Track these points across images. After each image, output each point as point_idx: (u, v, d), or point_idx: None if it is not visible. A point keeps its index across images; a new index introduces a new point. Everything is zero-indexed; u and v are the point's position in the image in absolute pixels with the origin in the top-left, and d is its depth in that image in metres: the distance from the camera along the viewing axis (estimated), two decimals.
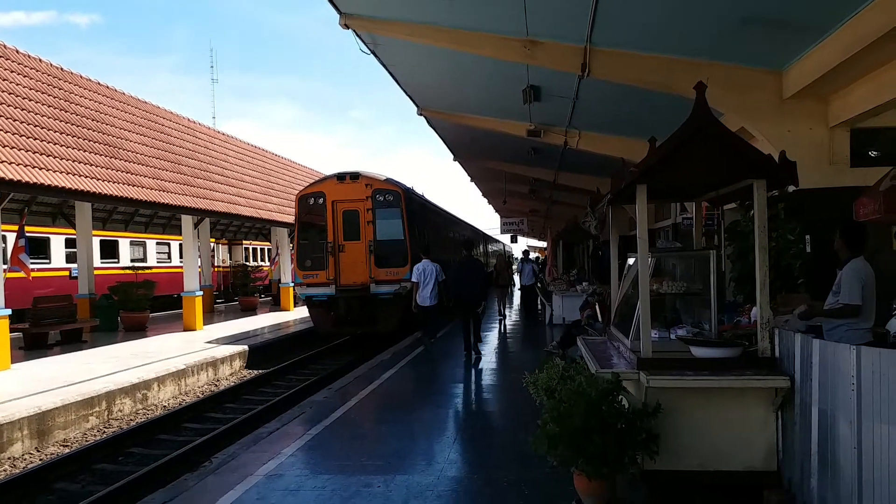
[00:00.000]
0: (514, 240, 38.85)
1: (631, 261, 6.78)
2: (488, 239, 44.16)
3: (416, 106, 14.98)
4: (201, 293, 18.33)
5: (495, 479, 5.42)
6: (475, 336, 12.09)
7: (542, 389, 4.96)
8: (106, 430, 9.27)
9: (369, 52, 10.83)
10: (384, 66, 11.78)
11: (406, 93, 13.93)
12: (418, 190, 20.56)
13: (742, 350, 4.89)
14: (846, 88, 7.77)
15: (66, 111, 14.69)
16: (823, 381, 4.20)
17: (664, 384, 4.69)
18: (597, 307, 9.98)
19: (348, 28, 9.54)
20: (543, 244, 42.38)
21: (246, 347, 14.36)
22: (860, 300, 4.90)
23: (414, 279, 12.76)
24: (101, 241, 22.23)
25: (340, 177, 16.69)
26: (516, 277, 29.28)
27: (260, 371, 13.49)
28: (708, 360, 4.86)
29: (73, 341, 15.22)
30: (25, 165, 11.39)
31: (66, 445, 8.52)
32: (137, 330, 17.55)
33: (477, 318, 12.22)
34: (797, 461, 4.51)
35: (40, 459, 7.92)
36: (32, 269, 18.83)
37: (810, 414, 4.32)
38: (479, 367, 11.15)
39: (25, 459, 7.92)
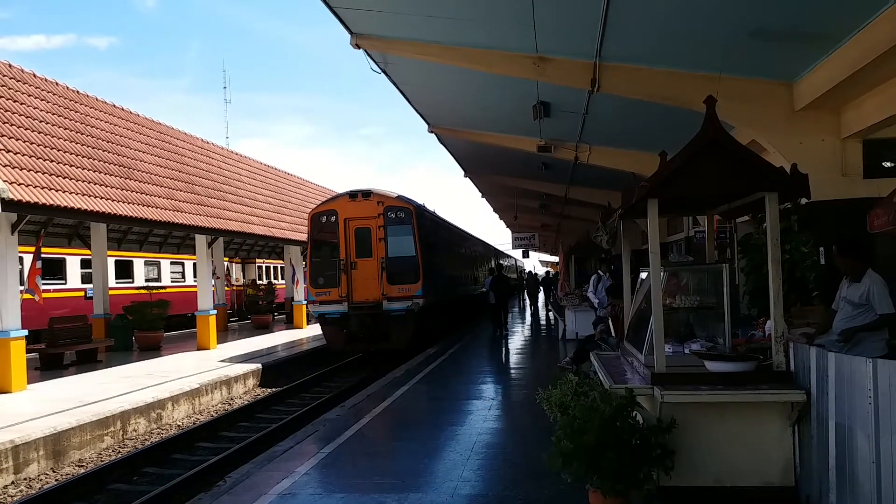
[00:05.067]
0: (525, 255, 38.79)
1: (643, 275, 6.75)
2: (500, 254, 44.14)
3: (427, 123, 15.09)
4: (215, 312, 18.42)
5: (510, 497, 5.37)
6: (504, 319, 19.46)
7: (556, 405, 4.94)
8: (121, 449, 9.31)
9: (380, 70, 10.94)
10: (395, 84, 11.89)
11: (417, 110, 14.05)
12: (430, 206, 20.67)
13: (757, 364, 4.85)
14: (858, 99, 7.73)
15: (81, 133, 14.92)
16: (840, 394, 4.15)
17: (679, 399, 4.66)
18: (610, 322, 9.92)
19: (359, 48, 9.64)
20: (555, 259, 42.25)
21: (259, 366, 14.39)
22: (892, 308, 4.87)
23: (487, 289, 19.98)
24: (116, 262, 22.45)
25: (352, 195, 16.79)
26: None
27: (273, 389, 13.50)
28: (722, 375, 4.82)
29: (88, 361, 15.33)
30: (42, 187, 11.56)
31: (82, 465, 8.55)
32: (152, 349, 17.66)
33: (505, 309, 19.93)
34: (815, 476, 4.45)
35: (56, 480, 7.95)
36: (48, 290, 19.05)
37: (827, 428, 4.27)
38: (493, 382, 11.12)
39: (41, 480, 7.96)
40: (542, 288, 35.57)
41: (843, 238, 5.57)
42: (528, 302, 34.43)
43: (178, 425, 10.79)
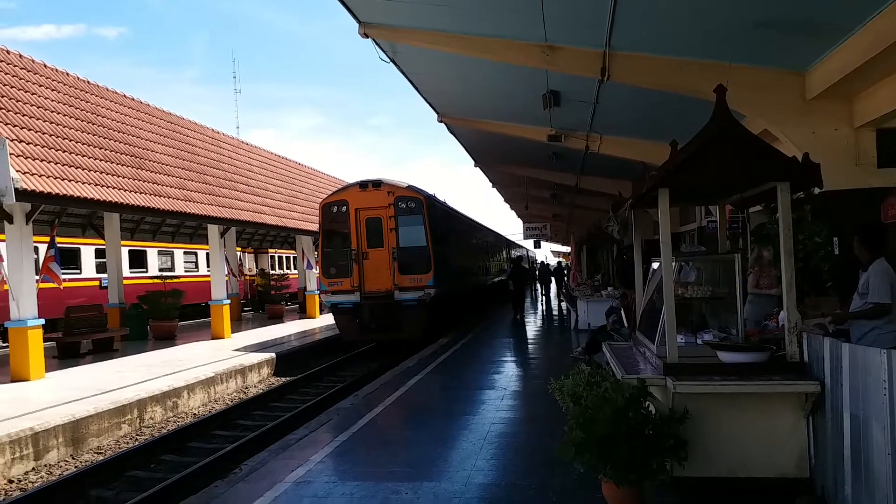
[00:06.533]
0: (537, 245, 38.73)
1: (655, 265, 6.75)
2: (511, 245, 44.09)
3: (437, 113, 15.07)
4: (228, 302, 18.57)
5: (522, 486, 5.43)
6: (522, 304, 22.67)
7: (569, 396, 4.96)
8: (138, 437, 9.45)
9: (389, 60, 10.93)
10: (404, 73, 11.88)
11: (426, 100, 14.02)
12: (440, 196, 20.66)
13: (770, 354, 4.85)
14: (871, 88, 7.66)
15: (93, 123, 15.02)
16: (854, 385, 4.15)
17: (691, 390, 4.68)
18: (622, 312, 9.93)
19: (368, 37, 9.64)
20: (567, 249, 42.16)
21: (273, 355, 14.52)
22: (890, 299, 4.84)
23: (507, 278, 24.83)
24: (130, 251, 22.65)
25: (363, 185, 16.82)
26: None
27: (287, 378, 13.62)
28: (735, 365, 4.83)
29: (104, 350, 15.53)
30: (55, 178, 11.67)
31: (100, 453, 8.70)
32: (166, 338, 17.85)
33: (523, 295, 23.66)
34: (830, 468, 4.46)
35: (75, 467, 8.09)
36: (64, 280, 19.25)
37: (842, 419, 4.27)
38: (508, 368, 11.19)
39: (61, 467, 8.10)
40: (553, 277, 35.91)
41: (866, 224, 5.54)
42: (539, 291, 35.10)
43: (195, 413, 10.93)
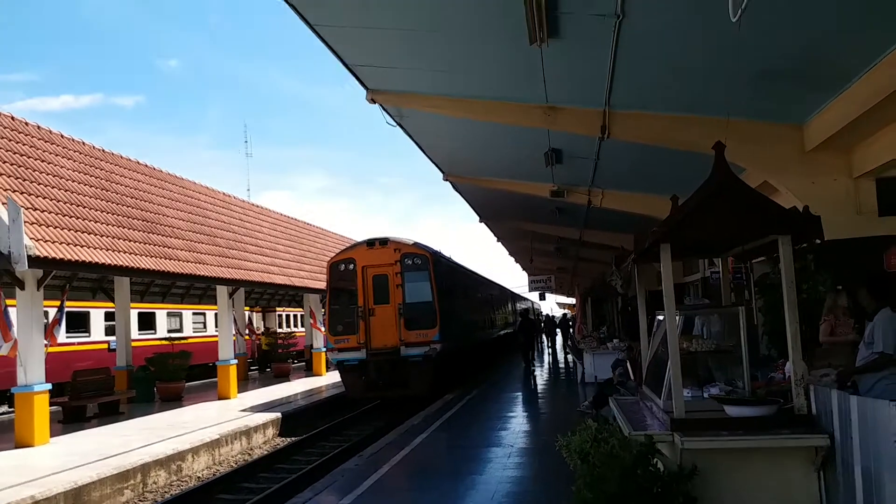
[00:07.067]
0: (542, 297, 38.70)
1: (660, 317, 6.74)
2: (516, 297, 43.99)
3: (442, 171, 15.34)
4: (235, 362, 18.50)
5: None
6: (532, 356, 23.47)
7: (576, 453, 4.90)
8: (141, 502, 9.29)
9: (395, 124, 11.21)
10: (410, 136, 12.17)
11: (431, 160, 14.31)
12: (446, 253, 20.80)
13: (777, 408, 4.80)
14: (869, 139, 7.77)
15: (106, 190, 15.34)
16: (864, 438, 4.10)
17: (699, 445, 4.62)
18: (628, 365, 9.84)
19: (375, 103, 9.92)
20: (572, 301, 42.00)
21: (279, 415, 14.37)
22: (894, 349, 4.81)
23: (517, 330, 26.20)
24: (139, 314, 22.73)
25: (370, 243, 16.99)
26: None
27: (293, 438, 13.45)
28: (743, 419, 4.77)
29: (110, 413, 15.41)
30: (68, 244, 11.86)
31: None
32: (173, 400, 17.71)
33: (532, 347, 24.67)
34: None
35: None
36: (72, 343, 19.31)
37: (853, 473, 4.20)
38: (514, 426, 11.01)
39: None
40: (559, 329, 36.07)
41: (873, 274, 5.55)
42: (545, 343, 35.06)
43: (199, 476, 10.76)
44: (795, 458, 4.64)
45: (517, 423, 11.75)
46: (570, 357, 26.03)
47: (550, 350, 32.93)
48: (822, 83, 7.29)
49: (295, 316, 36.06)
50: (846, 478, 4.32)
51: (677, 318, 5.50)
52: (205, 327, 27.15)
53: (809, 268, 8.09)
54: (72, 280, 19.10)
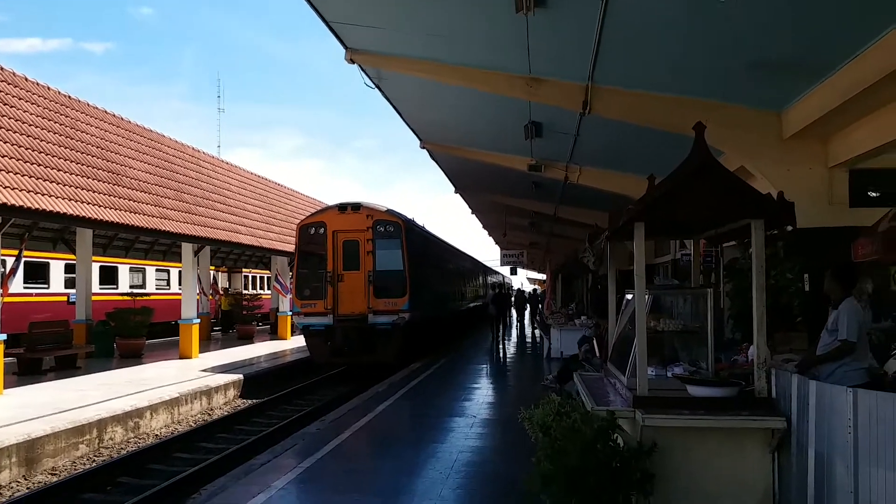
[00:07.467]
0: (513, 272, 38.91)
1: (629, 296, 6.75)
2: (488, 271, 44.15)
3: (419, 139, 15.12)
4: (198, 321, 18.24)
5: None
6: (503, 332, 22.59)
7: (538, 426, 4.90)
8: (96, 458, 9.15)
9: (374, 86, 10.94)
10: (388, 99, 11.91)
11: (409, 125, 14.07)
12: (419, 222, 20.66)
13: (738, 390, 4.84)
14: (846, 129, 7.82)
15: (71, 138, 14.82)
16: (820, 423, 4.16)
17: (660, 423, 4.64)
18: (594, 342, 9.91)
19: (354, 62, 9.65)
20: (543, 276, 42.34)
21: (241, 376, 14.24)
22: (856, 337, 4.88)
23: (489, 302, 24.88)
24: (101, 267, 22.23)
25: (342, 207, 16.77)
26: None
27: (254, 401, 13.35)
28: (704, 400, 4.81)
29: (67, 367, 15.11)
30: (28, 191, 11.45)
31: (55, 474, 8.39)
32: (133, 357, 17.43)
33: (504, 321, 23.49)
34: None
35: (27, 488, 7.79)
36: (30, 294, 18.82)
37: (807, 456, 4.27)
38: (481, 392, 11.07)
39: (12, 488, 7.79)
40: (528, 304, 36.14)
41: (839, 263, 5.60)
42: (514, 317, 35.20)
43: (156, 435, 10.63)
44: (752, 439, 4.70)
45: (482, 394, 11.82)
46: (537, 332, 26.24)
47: (519, 324, 33.18)
48: (805, 71, 7.28)
49: (262, 278, 35.71)
50: (800, 460, 4.39)
51: (646, 297, 5.51)
52: (168, 285, 26.72)
53: (779, 255, 8.17)
54: (31, 229, 18.52)
